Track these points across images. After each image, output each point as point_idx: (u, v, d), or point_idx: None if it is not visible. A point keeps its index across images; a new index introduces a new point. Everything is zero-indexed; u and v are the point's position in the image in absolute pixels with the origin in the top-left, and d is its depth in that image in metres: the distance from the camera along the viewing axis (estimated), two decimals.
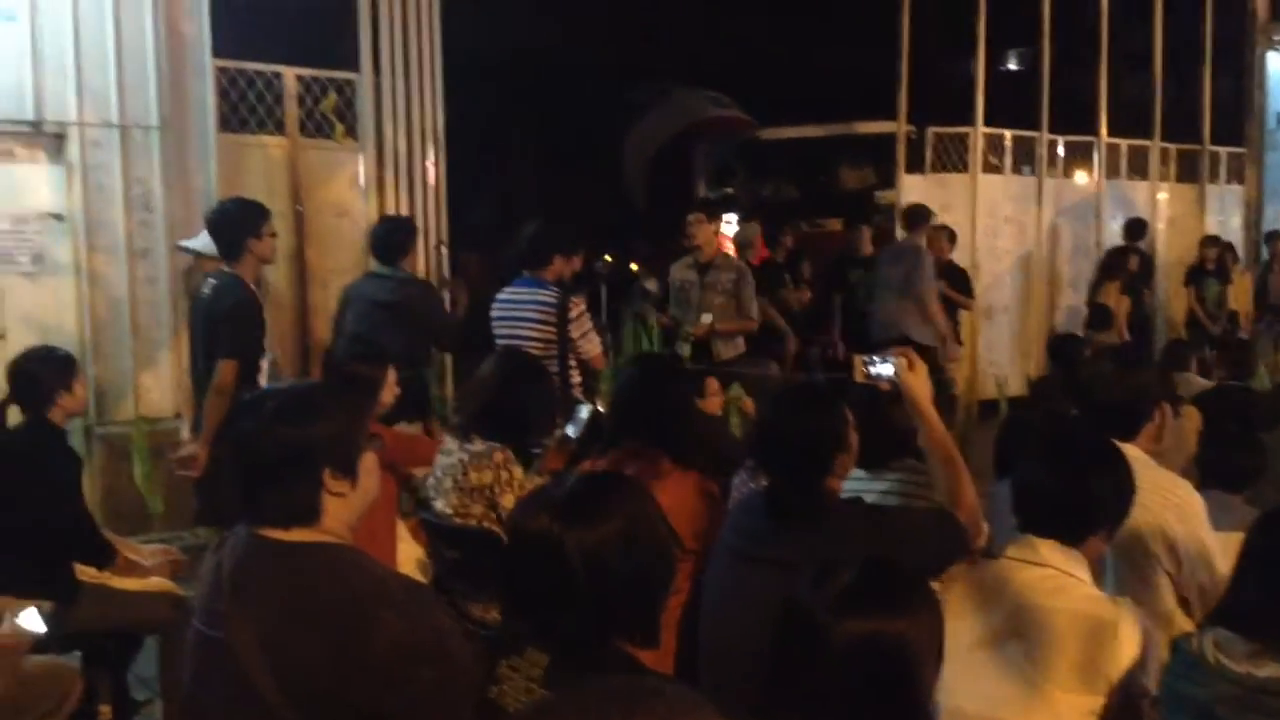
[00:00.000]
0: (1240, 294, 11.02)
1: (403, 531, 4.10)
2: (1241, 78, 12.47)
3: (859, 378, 2.92)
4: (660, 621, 1.99)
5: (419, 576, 3.76)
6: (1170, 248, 11.84)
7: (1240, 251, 11.81)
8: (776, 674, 1.83)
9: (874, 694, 1.75)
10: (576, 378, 5.44)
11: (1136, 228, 10.79)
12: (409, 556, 4.04)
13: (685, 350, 6.78)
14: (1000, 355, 10.50)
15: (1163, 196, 12.01)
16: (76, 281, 6.40)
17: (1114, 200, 11.50)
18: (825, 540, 2.54)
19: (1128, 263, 10.29)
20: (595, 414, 3.98)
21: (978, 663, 2.40)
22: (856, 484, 3.18)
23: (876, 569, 1.83)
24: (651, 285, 9.11)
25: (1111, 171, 11.49)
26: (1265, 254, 11.88)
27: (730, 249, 11.97)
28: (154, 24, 6.50)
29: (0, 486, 3.95)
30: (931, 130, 10.18)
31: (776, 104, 13.56)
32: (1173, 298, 11.62)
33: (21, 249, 6.34)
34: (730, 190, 13.69)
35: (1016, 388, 9.39)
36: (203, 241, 5.78)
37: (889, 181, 10.51)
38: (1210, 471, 3.50)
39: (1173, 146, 12.08)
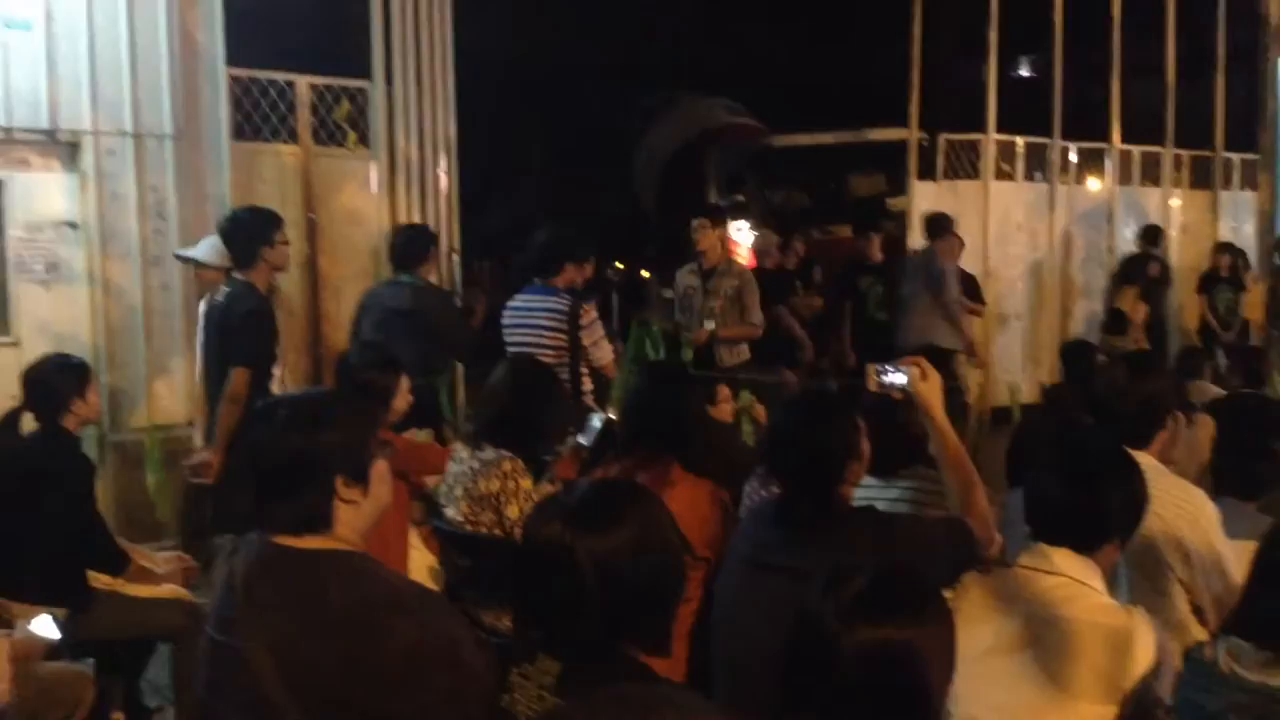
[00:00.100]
0: (1253, 301, 10.97)
1: (415, 539, 4.10)
2: (1255, 84, 12.42)
3: (872, 386, 2.91)
4: (672, 629, 1.99)
5: (431, 584, 3.77)
6: (1183, 254, 11.80)
7: (1253, 258, 11.76)
8: (788, 682, 1.82)
9: (885, 702, 1.74)
10: (588, 385, 5.45)
11: (1153, 234, 10.76)
12: (421, 564, 4.04)
13: (687, 356, 6.78)
14: (1013, 362, 10.48)
15: (1175, 203, 11.97)
16: (90, 289, 6.44)
17: (1127, 207, 11.47)
18: (837, 548, 2.53)
19: (1147, 269, 10.26)
20: (608, 423, 3.98)
21: (990, 671, 2.39)
22: (868, 491, 3.18)
23: (887, 577, 1.83)
24: (668, 293, 9.11)
25: (1124, 178, 11.46)
26: (1278, 260, 11.82)
27: (743, 255, 11.99)
28: (168, 33, 6.54)
29: (15, 494, 3.97)
30: (943, 137, 10.17)
31: (788, 111, 13.56)
32: (1185, 305, 11.58)
33: (36, 257, 6.37)
34: (741, 197, 13.69)
35: (1029, 395, 9.37)
36: (201, 250, 5.83)
37: (901, 188, 10.51)
38: (1224, 479, 3.48)
39: (1186, 153, 12.05)
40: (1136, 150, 11.57)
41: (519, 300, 5.58)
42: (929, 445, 2.97)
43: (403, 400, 4.07)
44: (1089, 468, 2.56)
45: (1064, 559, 2.48)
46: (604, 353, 5.49)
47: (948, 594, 2.37)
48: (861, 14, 15.14)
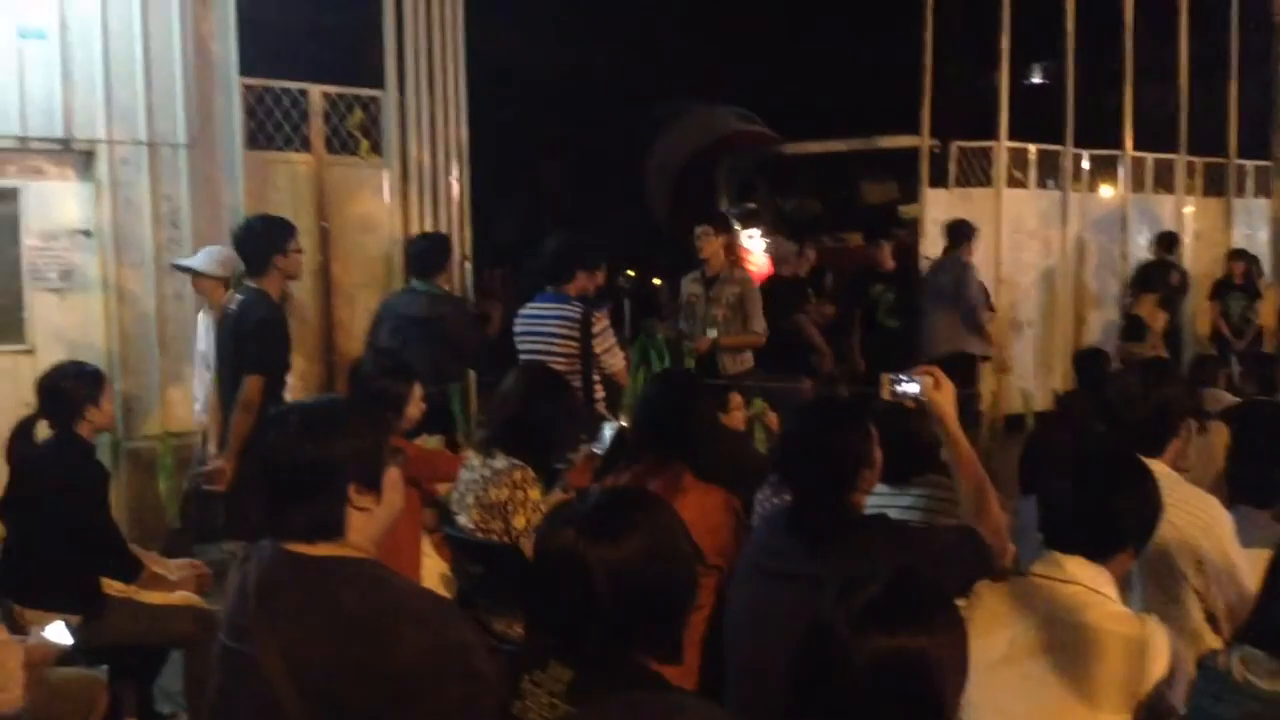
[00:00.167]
0: (1267, 308, 10.92)
1: (427, 546, 4.11)
2: (1268, 90, 12.38)
3: (886, 395, 2.91)
4: (683, 637, 1.99)
5: (443, 591, 3.77)
6: (1197, 262, 11.76)
7: (1267, 265, 11.72)
8: (800, 690, 1.82)
9: (898, 711, 1.74)
10: (600, 393, 5.46)
11: (1169, 240, 10.72)
12: (433, 571, 4.05)
13: (689, 365, 6.78)
14: (1025, 369, 10.45)
15: (1189, 210, 11.93)
16: (105, 297, 6.47)
17: (1139, 214, 11.44)
18: (849, 556, 2.53)
19: (1169, 277, 10.23)
20: (620, 430, 3.97)
21: (1003, 680, 2.39)
22: (881, 499, 3.17)
23: (900, 584, 1.82)
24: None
25: (1137, 185, 11.43)
26: None
27: (756, 263, 11.99)
28: (182, 42, 6.58)
29: (29, 501, 3.99)
30: (955, 144, 10.16)
31: (799, 119, 13.57)
32: (1198, 312, 11.54)
33: (51, 265, 6.41)
34: (753, 205, 13.69)
35: (1042, 402, 9.34)
36: (200, 260, 5.87)
37: (912, 196, 10.49)
38: (1239, 487, 3.47)
39: (1199, 160, 12.01)
40: (1150, 157, 11.54)
41: (531, 308, 5.59)
42: (941, 453, 2.96)
43: (416, 408, 4.08)
44: (1102, 475, 2.56)
45: (1077, 567, 2.47)
46: (616, 360, 5.50)
47: (960, 603, 2.37)
48: (873, 21, 15.14)
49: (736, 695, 2.71)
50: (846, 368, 9.36)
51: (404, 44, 7.48)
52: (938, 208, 9.81)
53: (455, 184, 7.76)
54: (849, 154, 12.74)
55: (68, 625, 3.49)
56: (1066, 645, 2.38)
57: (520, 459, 3.60)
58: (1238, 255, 11.05)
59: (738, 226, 13.53)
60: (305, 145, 7.22)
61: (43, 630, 3.44)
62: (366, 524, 2.12)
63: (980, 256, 9.20)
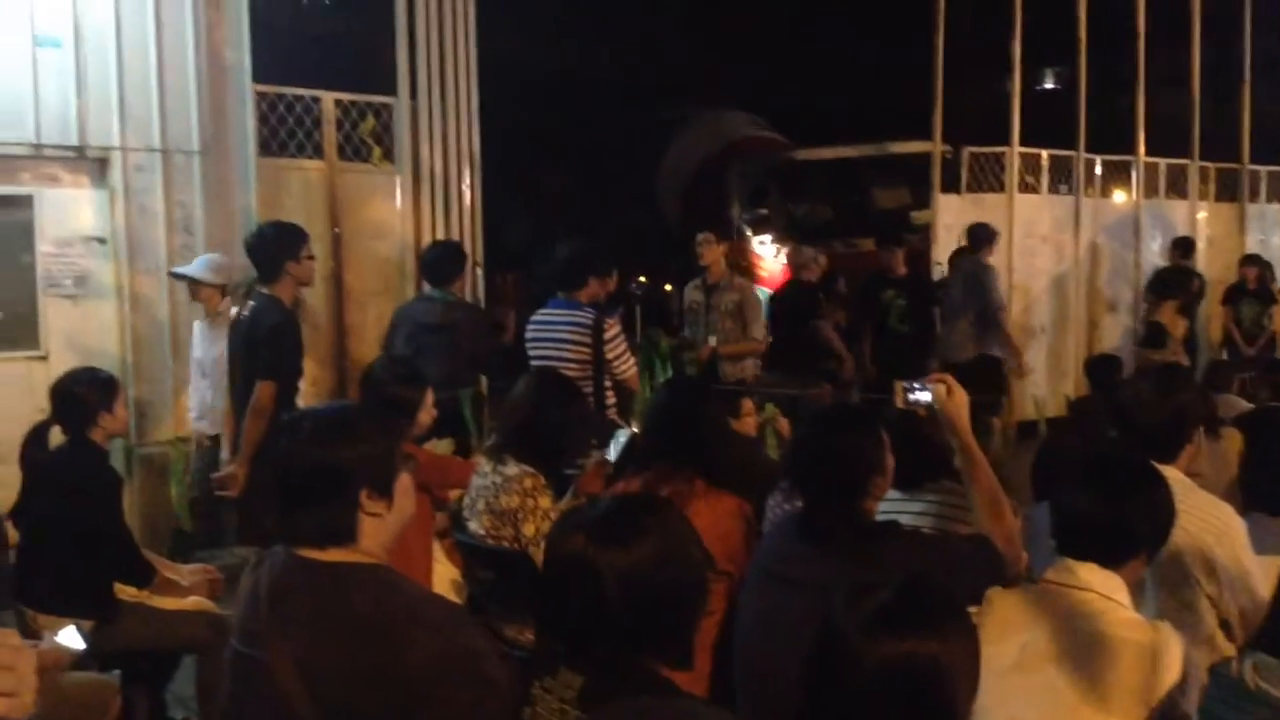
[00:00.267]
0: None
1: (438, 552, 4.11)
2: None
3: (899, 403, 2.92)
4: (694, 643, 1.99)
5: (454, 597, 3.77)
6: (1210, 267, 11.72)
7: None
8: (810, 696, 1.82)
9: (908, 717, 1.74)
10: (611, 399, 5.46)
11: (1186, 246, 10.67)
12: (444, 577, 4.05)
13: (690, 372, 6.79)
14: (1038, 376, 10.42)
15: (1202, 216, 11.90)
16: (118, 304, 6.50)
17: (1152, 220, 11.41)
18: (860, 562, 2.53)
19: (1190, 284, 10.19)
20: (633, 437, 3.97)
21: (1015, 687, 2.38)
22: (893, 505, 3.16)
23: (910, 590, 1.82)
24: None
25: (1150, 191, 11.41)
26: None
27: (768, 269, 11.98)
28: (196, 50, 6.61)
29: (42, 506, 4.01)
30: (967, 150, 10.14)
31: (811, 124, 13.57)
32: (1211, 318, 11.51)
33: (65, 272, 6.45)
34: (764, 211, 13.69)
35: (1054, 408, 9.32)
36: (196, 268, 5.90)
37: (924, 202, 10.48)
38: (1253, 494, 3.45)
39: (1212, 165, 11.97)
40: (1162, 163, 11.51)
41: (543, 314, 5.60)
42: (955, 459, 2.96)
43: (428, 414, 4.08)
44: (1115, 482, 2.55)
45: (1090, 573, 2.46)
46: (627, 366, 5.50)
47: (972, 610, 2.36)
48: (884, 27, 15.14)
49: (747, 701, 2.71)
50: (858, 374, 9.34)
51: (416, 51, 7.51)
52: (950, 213, 9.80)
53: (467, 190, 7.78)
54: (861, 159, 12.73)
55: (80, 630, 3.50)
56: (1079, 652, 2.37)
57: (531, 465, 3.60)
58: (1251, 260, 11.00)
59: (749, 232, 13.55)
60: (318, 152, 7.24)
61: (55, 635, 3.45)
62: (378, 530, 2.13)
63: (993, 262, 9.18)
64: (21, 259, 6.42)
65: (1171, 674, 2.33)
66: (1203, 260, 11.66)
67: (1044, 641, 2.42)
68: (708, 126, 14.64)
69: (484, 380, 7.35)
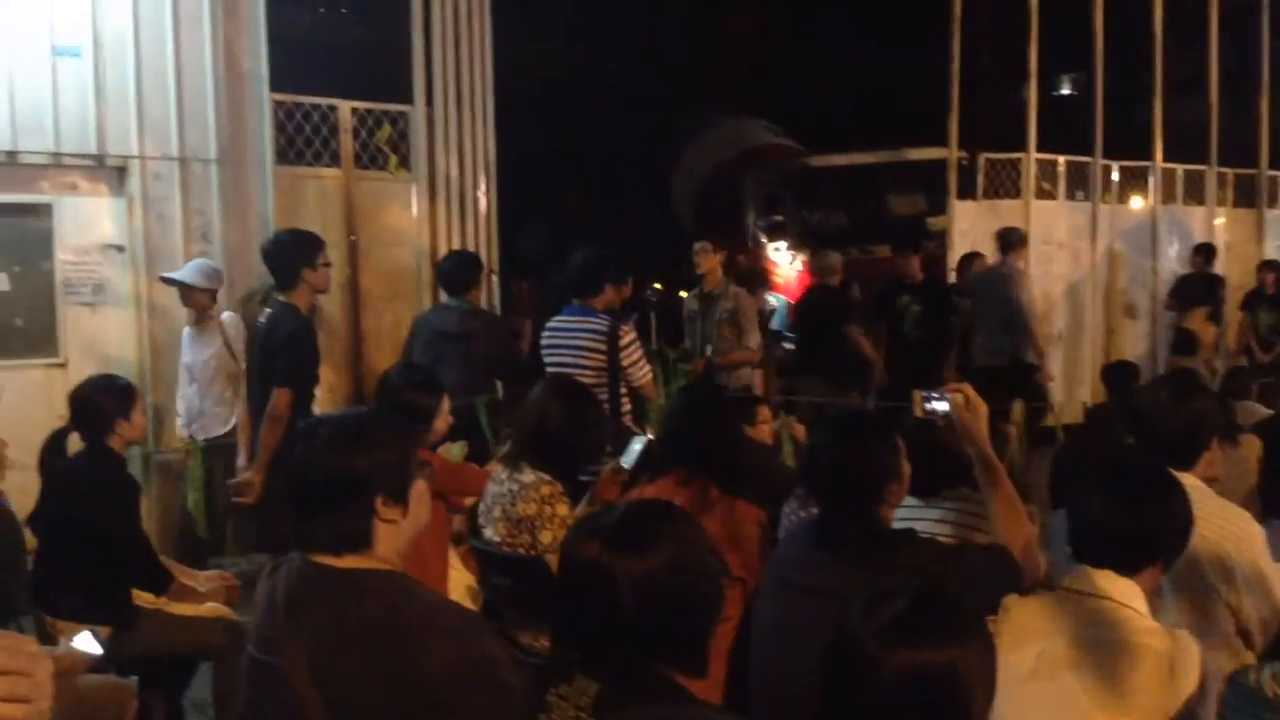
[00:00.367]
0: None
1: (454, 559, 4.12)
2: None
3: (918, 412, 2.91)
4: (708, 651, 1.99)
5: (469, 604, 3.78)
6: (1228, 273, 11.63)
7: None
8: (826, 704, 1.81)
9: None
10: (627, 405, 5.46)
11: (1209, 252, 10.62)
12: (460, 583, 4.06)
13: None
14: (1055, 382, 10.36)
15: (1220, 221, 11.83)
16: (136, 311, 6.54)
17: (1170, 226, 11.35)
18: (875, 570, 2.52)
19: (1219, 290, 10.15)
20: (649, 445, 3.97)
21: (1032, 695, 2.37)
22: (909, 512, 3.15)
23: (926, 598, 1.82)
24: None
25: (1167, 197, 11.35)
26: None
27: (783, 276, 11.96)
28: (213, 60, 6.65)
29: (61, 513, 4.03)
30: (983, 156, 10.12)
31: (826, 131, 13.55)
32: (1230, 324, 11.44)
33: (84, 279, 6.48)
34: (779, 218, 13.68)
35: (1072, 415, 9.25)
36: (187, 273, 5.94)
37: (940, 208, 10.46)
38: (1272, 501, 3.43)
39: (1229, 171, 11.91)
40: (1180, 168, 11.46)
41: (558, 321, 5.60)
42: (972, 464, 2.95)
43: (443, 421, 4.09)
44: (1132, 489, 2.54)
45: (1107, 581, 2.45)
46: (643, 373, 5.50)
47: (989, 620, 2.35)
48: (900, 33, 15.11)
49: (761, 709, 2.70)
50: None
51: (432, 60, 7.53)
52: (965, 220, 9.77)
53: (483, 198, 7.80)
54: (876, 166, 12.72)
55: (97, 636, 3.52)
56: (1096, 660, 2.35)
57: (547, 472, 3.60)
58: (1269, 266, 10.92)
59: (764, 239, 13.55)
60: (335, 160, 7.27)
61: (72, 641, 3.47)
62: (393, 536, 2.13)
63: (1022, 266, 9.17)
64: (41, 267, 6.46)
65: (1189, 682, 2.31)
66: (1221, 266, 11.58)
67: (1061, 649, 2.41)
68: (724, 132, 14.63)
69: (500, 386, 7.37)
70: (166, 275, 6.14)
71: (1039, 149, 10.21)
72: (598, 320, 5.43)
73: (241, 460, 5.79)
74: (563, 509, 3.55)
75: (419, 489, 2.18)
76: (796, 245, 12.94)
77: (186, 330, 6.18)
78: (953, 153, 9.86)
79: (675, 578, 1.92)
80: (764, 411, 5.47)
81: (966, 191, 10.00)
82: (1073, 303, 10.63)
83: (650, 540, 1.94)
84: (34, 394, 6.16)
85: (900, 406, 3.00)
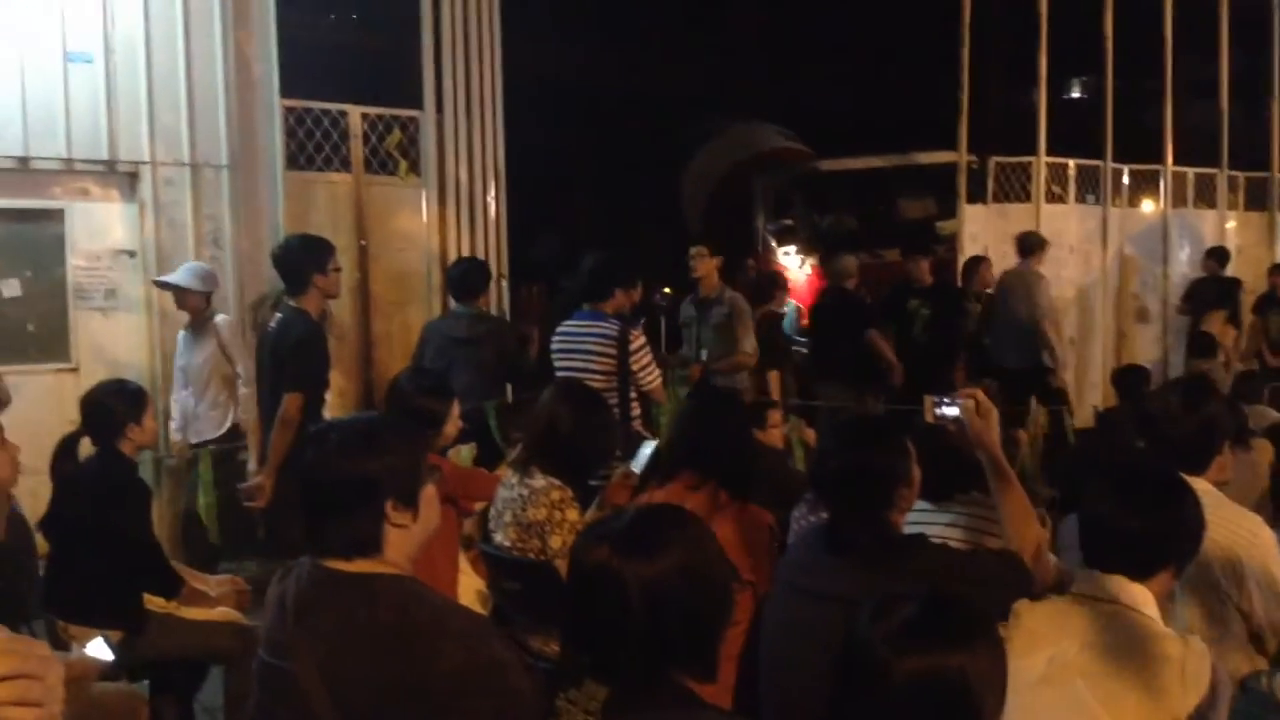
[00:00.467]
0: None
1: (463, 563, 4.12)
2: None
3: (928, 417, 2.90)
4: (718, 655, 1.98)
5: (479, 608, 3.78)
6: (1239, 277, 11.62)
7: None
8: (836, 709, 1.81)
9: None
10: (637, 410, 5.46)
11: (1224, 256, 10.58)
12: (469, 588, 4.06)
13: (682, 392, 6.77)
14: (1066, 387, 10.34)
15: (1231, 225, 11.80)
16: (147, 316, 6.56)
17: (1181, 229, 11.32)
18: (885, 575, 2.51)
19: (1238, 293, 10.12)
20: (658, 449, 3.97)
21: (1042, 700, 2.36)
22: (921, 516, 3.15)
23: (937, 603, 1.81)
24: None
25: (1178, 200, 11.31)
26: None
27: (793, 279, 11.94)
28: (224, 65, 6.67)
29: (72, 517, 4.03)
30: (993, 160, 10.10)
31: (836, 135, 13.55)
32: (1241, 328, 11.40)
33: (95, 285, 6.51)
34: (789, 221, 13.68)
35: (1083, 419, 9.23)
36: (181, 276, 5.96)
37: (950, 212, 10.44)
38: None
39: (1241, 174, 11.87)
40: (1190, 172, 11.42)
41: (568, 325, 5.61)
42: (983, 468, 2.94)
43: (453, 425, 4.09)
44: (1143, 494, 2.53)
45: (1118, 586, 2.44)
46: (653, 377, 5.50)
47: (1000, 625, 2.34)
48: (910, 37, 15.11)
49: (771, 713, 2.70)
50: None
51: (442, 65, 7.55)
52: (975, 223, 9.75)
53: (492, 203, 7.81)
54: (887, 170, 12.71)
55: (109, 641, 3.53)
56: (1107, 666, 2.35)
57: (556, 476, 3.60)
58: None
59: (774, 243, 13.54)
60: (345, 165, 7.29)
61: (84, 647, 3.48)
62: (404, 541, 2.13)
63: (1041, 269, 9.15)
64: (53, 272, 6.50)
65: (1200, 687, 2.30)
66: (1232, 270, 11.56)
67: (1072, 654, 2.40)
68: (735, 136, 14.64)
69: (510, 391, 7.38)
70: (160, 279, 6.16)
71: (1049, 153, 10.18)
72: (608, 324, 5.44)
73: (252, 465, 5.80)
74: (573, 514, 3.55)
75: (429, 493, 2.18)
76: (806, 249, 12.93)
77: (182, 333, 6.20)
78: (963, 156, 9.84)
79: (685, 582, 1.91)
80: (774, 415, 5.48)
81: (977, 195, 9.97)
82: (1083, 307, 10.60)
83: (660, 545, 1.94)
84: (45, 398, 6.19)
85: (911, 410, 2.99)
